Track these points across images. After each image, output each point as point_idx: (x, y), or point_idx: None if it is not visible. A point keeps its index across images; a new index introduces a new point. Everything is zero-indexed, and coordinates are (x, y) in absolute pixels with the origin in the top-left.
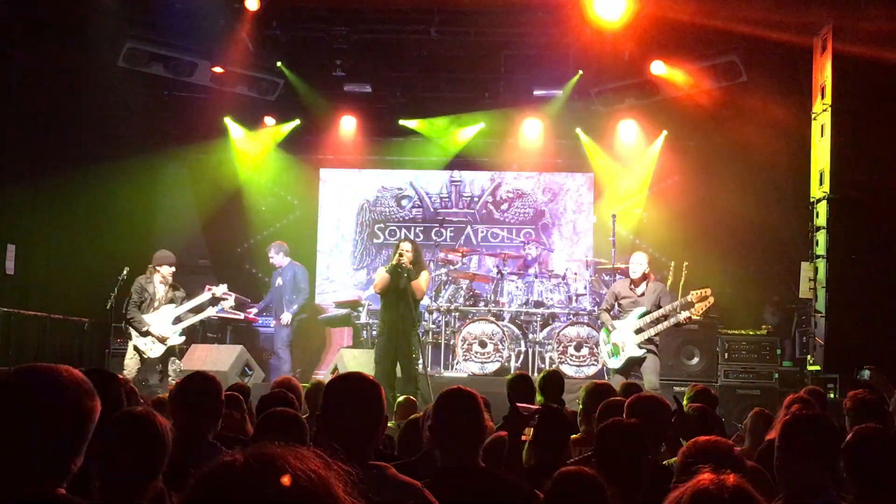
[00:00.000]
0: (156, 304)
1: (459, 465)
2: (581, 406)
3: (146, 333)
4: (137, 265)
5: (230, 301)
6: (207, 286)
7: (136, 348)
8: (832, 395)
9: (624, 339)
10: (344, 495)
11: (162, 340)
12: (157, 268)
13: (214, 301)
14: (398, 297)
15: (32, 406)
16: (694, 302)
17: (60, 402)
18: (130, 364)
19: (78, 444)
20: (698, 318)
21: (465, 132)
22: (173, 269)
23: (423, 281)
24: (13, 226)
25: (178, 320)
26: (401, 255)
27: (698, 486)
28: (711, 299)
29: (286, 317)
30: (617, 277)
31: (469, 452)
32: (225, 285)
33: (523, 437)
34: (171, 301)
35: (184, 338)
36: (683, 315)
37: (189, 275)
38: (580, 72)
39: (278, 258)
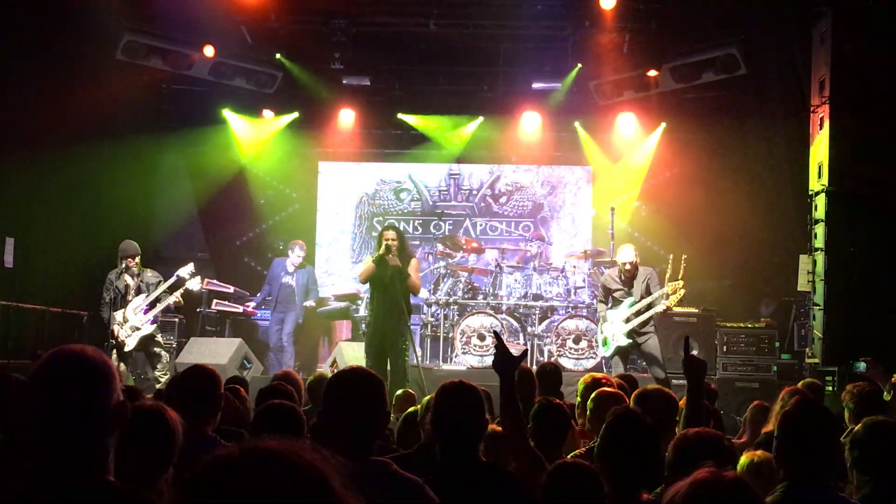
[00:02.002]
0: (129, 297)
1: (460, 459)
2: (579, 399)
3: (113, 331)
4: None
5: (196, 282)
6: (215, 303)
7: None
8: (830, 388)
9: (614, 331)
10: (340, 488)
11: (119, 339)
12: (123, 260)
13: (181, 282)
14: (385, 288)
15: (83, 392)
16: (669, 293)
17: (97, 388)
18: (113, 359)
19: (112, 431)
20: (673, 308)
21: (464, 130)
22: (137, 258)
23: (416, 275)
24: (12, 219)
25: (152, 305)
26: (387, 246)
27: (696, 478)
28: (682, 292)
29: (300, 316)
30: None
31: (469, 447)
32: (191, 264)
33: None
34: (140, 291)
35: (154, 325)
36: (661, 307)
37: None
38: (579, 65)
39: (298, 260)
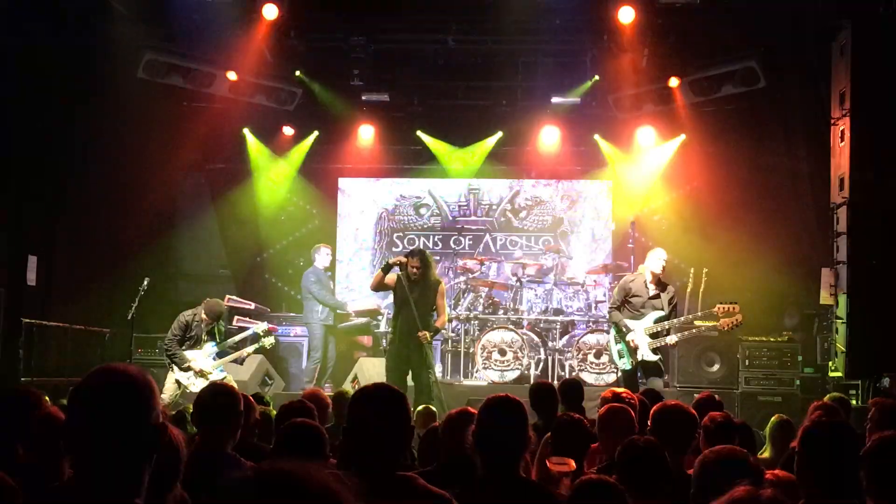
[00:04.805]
0: (200, 345)
1: (499, 474)
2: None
3: (188, 369)
4: (158, 275)
5: (270, 339)
6: (239, 319)
7: (177, 382)
8: (854, 402)
9: (638, 342)
10: None
11: (204, 375)
12: (206, 315)
13: (255, 338)
14: (406, 305)
15: (121, 414)
16: (718, 315)
17: (141, 408)
18: (168, 390)
19: (151, 452)
20: (723, 330)
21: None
22: (221, 321)
23: (442, 302)
24: (34, 237)
25: (219, 356)
26: (397, 262)
27: (734, 498)
28: (739, 317)
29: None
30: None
31: (510, 461)
32: (266, 324)
33: None
34: (213, 338)
35: (225, 374)
36: (703, 326)
37: (209, 284)
38: (596, 76)
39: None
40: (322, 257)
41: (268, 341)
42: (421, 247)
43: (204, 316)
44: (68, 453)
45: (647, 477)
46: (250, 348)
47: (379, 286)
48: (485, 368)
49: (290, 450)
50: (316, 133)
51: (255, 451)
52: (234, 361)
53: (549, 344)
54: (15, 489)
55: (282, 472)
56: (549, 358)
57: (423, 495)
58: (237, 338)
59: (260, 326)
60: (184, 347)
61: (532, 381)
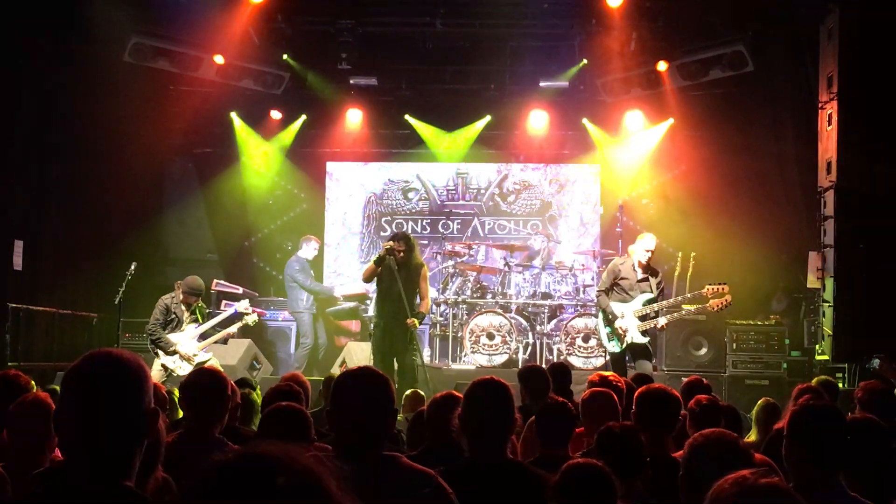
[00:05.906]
0: (183, 326)
1: (485, 456)
2: None
3: (173, 353)
4: (145, 260)
5: (253, 317)
6: (226, 302)
7: (164, 367)
8: (841, 385)
9: (627, 325)
10: (337, 492)
11: (189, 359)
12: (183, 293)
13: (238, 317)
14: (392, 289)
15: (111, 395)
16: (707, 296)
17: (133, 393)
18: (155, 377)
19: (143, 437)
20: (713, 311)
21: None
22: (199, 299)
23: (425, 285)
24: (20, 221)
25: (202, 337)
26: (388, 248)
27: (742, 482)
28: (728, 297)
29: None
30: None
31: (497, 444)
32: (247, 301)
33: None
34: (195, 320)
35: (210, 355)
36: (692, 308)
37: (197, 269)
38: (584, 60)
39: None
40: (310, 249)
41: (250, 319)
42: (408, 231)
43: (182, 295)
44: (59, 438)
45: (624, 461)
46: (233, 328)
47: (372, 277)
48: (473, 352)
49: (275, 433)
50: (304, 117)
51: (239, 434)
52: (219, 342)
53: (538, 328)
54: (3, 476)
55: (263, 454)
56: (538, 342)
57: (407, 473)
58: (219, 318)
59: (241, 304)
60: (166, 331)
61: (520, 366)
